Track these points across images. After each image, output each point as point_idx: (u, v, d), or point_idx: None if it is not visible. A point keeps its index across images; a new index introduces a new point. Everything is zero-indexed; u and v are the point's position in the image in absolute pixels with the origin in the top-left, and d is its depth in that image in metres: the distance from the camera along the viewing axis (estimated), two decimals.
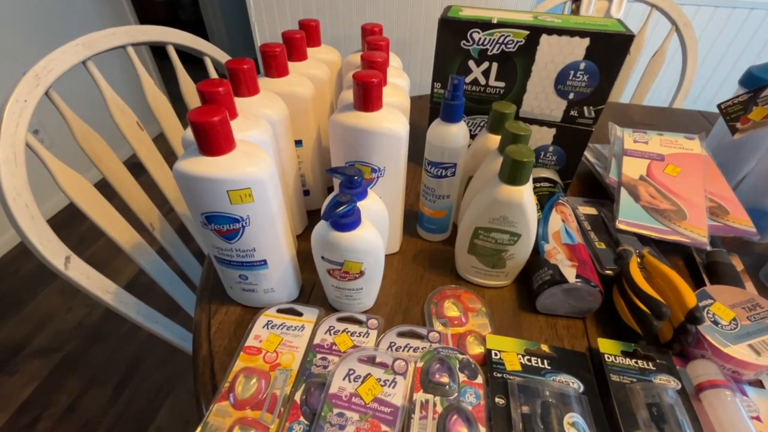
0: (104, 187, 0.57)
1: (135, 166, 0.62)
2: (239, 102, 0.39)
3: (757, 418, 0.34)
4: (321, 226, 0.35)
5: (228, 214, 0.33)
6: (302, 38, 0.47)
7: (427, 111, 0.59)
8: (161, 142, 0.60)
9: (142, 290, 1.36)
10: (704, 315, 0.36)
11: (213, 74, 0.69)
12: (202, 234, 0.36)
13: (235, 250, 0.36)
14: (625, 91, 1.01)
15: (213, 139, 0.30)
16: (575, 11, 0.97)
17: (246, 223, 0.34)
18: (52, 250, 0.46)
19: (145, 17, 2.77)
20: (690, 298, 0.36)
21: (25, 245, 0.44)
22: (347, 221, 0.34)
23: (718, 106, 0.53)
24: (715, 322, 0.37)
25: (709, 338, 0.36)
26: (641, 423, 0.32)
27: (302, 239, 0.52)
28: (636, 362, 0.36)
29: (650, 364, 0.36)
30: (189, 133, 0.35)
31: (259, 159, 0.32)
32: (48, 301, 1.33)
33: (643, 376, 0.35)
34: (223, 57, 0.69)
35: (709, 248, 0.44)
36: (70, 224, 1.62)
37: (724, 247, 0.48)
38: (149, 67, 1.89)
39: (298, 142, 0.48)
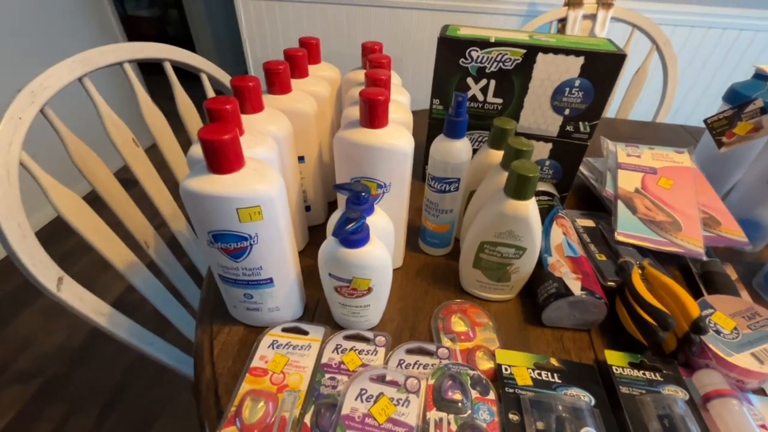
0: (93, 201, 0.55)
1: (124, 180, 0.60)
2: (245, 119, 0.39)
3: (764, 426, 0.34)
4: (329, 243, 0.35)
5: (236, 232, 0.32)
6: (304, 56, 0.48)
7: (424, 126, 0.59)
8: (152, 153, 0.58)
9: (130, 309, 1.31)
10: (708, 325, 0.37)
11: (209, 91, 0.69)
12: (206, 253, 0.35)
13: (241, 268, 0.35)
14: (610, 106, 1.04)
15: (224, 157, 0.30)
16: (561, 30, 1.01)
17: (254, 241, 0.33)
18: (44, 271, 0.44)
19: (133, 34, 2.76)
20: (693, 308, 0.37)
21: (11, 264, 0.43)
22: (357, 237, 0.34)
23: (705, 121, 0.55)
24: (717, 332, 0.38)
25: (712, 347, 0.36)
26: None
27: (303, 255, 0.51)
28: (644, 373, 0.37)
29: (657, 375, 0.37)
30: (194, 151, 0.35)
31: (268, 176, 0.32)
32: (28, 323, 1.28)
33: (651, 387, 0.36)
34: (219, 73, 0.69)
35: (704, 258, 0.45)
36: (52, 241, 1.56)
37: (717, 257, 0.50)
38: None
39: (301, 158, 0.48)
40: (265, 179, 0.31)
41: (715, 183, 0.59)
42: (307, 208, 0.53)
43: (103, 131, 0.54)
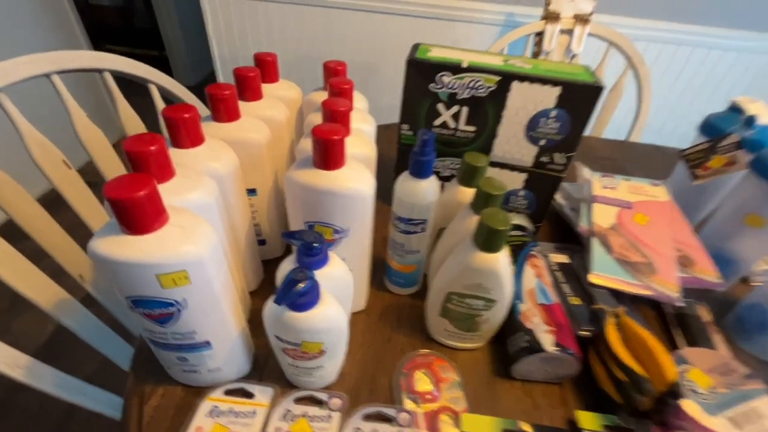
0: (11, 232, 0.48)
1: (54, 202, 0.53)
2: (180, 155, 0.33)
3: None
4: (274, 307, 0.30)
5: (159, 298, 0.27)
6: (256, 76, 0.43)
7: (395, 142, 0.55)
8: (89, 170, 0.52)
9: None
10: (684, 389, 0.35)
11: (159, 102, 0.62)
12: (130, 315, 0.30)
13: (170, 333, 0.30)
14: None
15: (138, 217, 0.25)
16: (538, 44, 0.99)
17: (182, 306, 0.28)
18: None
19: (96, 24, 2.59)
20: (671, 371, 0.34)
21: None
22: (304, 301, 0.29)
23: (680, 153, 0.54)
24: (694, 391, 0.36)
25: (688, 410, 0.34)
26: None
27: (257, 296, 0.46)
28: None
29: None
30: None
31: (196, 234, 0.27)
32: None
33: None
34: (168, 82, 0.63)
35: (682, 303, 0.43)
36: None
37: (691, 297, 0.48)
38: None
39: (252, 191, 0.43)
40: (192, 238, 0.27)
41: (689, 212, 0.58)
42: (262, 242, 0.48)
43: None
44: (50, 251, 0.49)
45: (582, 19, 0.94)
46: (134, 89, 0.63)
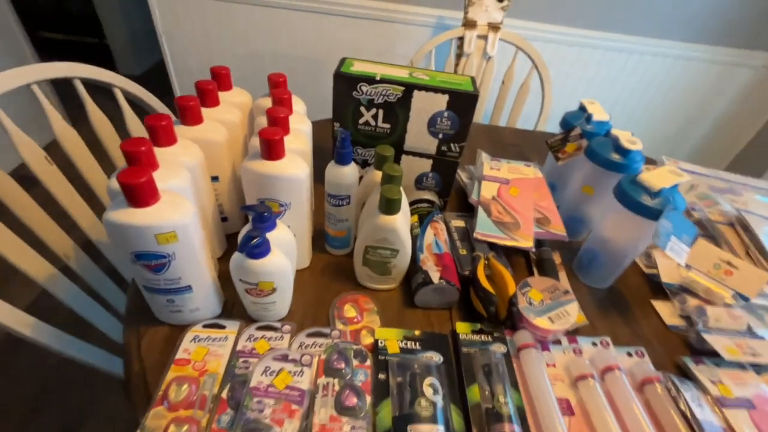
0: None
1: (24, 179, 0.60)
2: (160, 152, 0.45)
3: (553, 365, 0.51)
4: (237, 256, 0.44)
5: (156, 252, 0.40)
6: (214, 88, 0.54)
7: None
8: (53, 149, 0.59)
9: (46, 314, 1.26)
10: (518, 300, 0.52)
11: (124, 105, 0.71)
12: (131, 268, 0.42)
13: (162, 280, 0.43)
14: (501, 117, 1.22)
15: (141, 196, 0.37)
16: (460, 47, 1.15)
17: (172, 258, 0.41)
18: None
19: (27, 9, 2.44)
20: (512, 289, 0.52)
21: None
22: (258, 251, 0.43)
23: (546, 142, 0.72)
24: (530, 303, 0.53)
25: (525, 315, 0.52)
26: (478, 378, 0.46)
27: (222, 261, 0.59)
28: (480, 337, 0.51)
29: (490, 337, 0.52)
30: (114, 184, 0.41)
31: (180, 206, 0.40)
32: None
33: (483, 346, 0.50)
34: (132, 86, 0.71)
35: (534, 250, 0.61)
36: None
37: (549, 246, 0.67)
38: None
39: (215, 178, 0.55)
40: (177, 209, 0.39)
41: (561, 186, 0.77)
42: (224, 219, 0.61)
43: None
44: (41, 235, 0.58)
45: (494, 27, 1.11)
46: (94, 87, 0.71)
